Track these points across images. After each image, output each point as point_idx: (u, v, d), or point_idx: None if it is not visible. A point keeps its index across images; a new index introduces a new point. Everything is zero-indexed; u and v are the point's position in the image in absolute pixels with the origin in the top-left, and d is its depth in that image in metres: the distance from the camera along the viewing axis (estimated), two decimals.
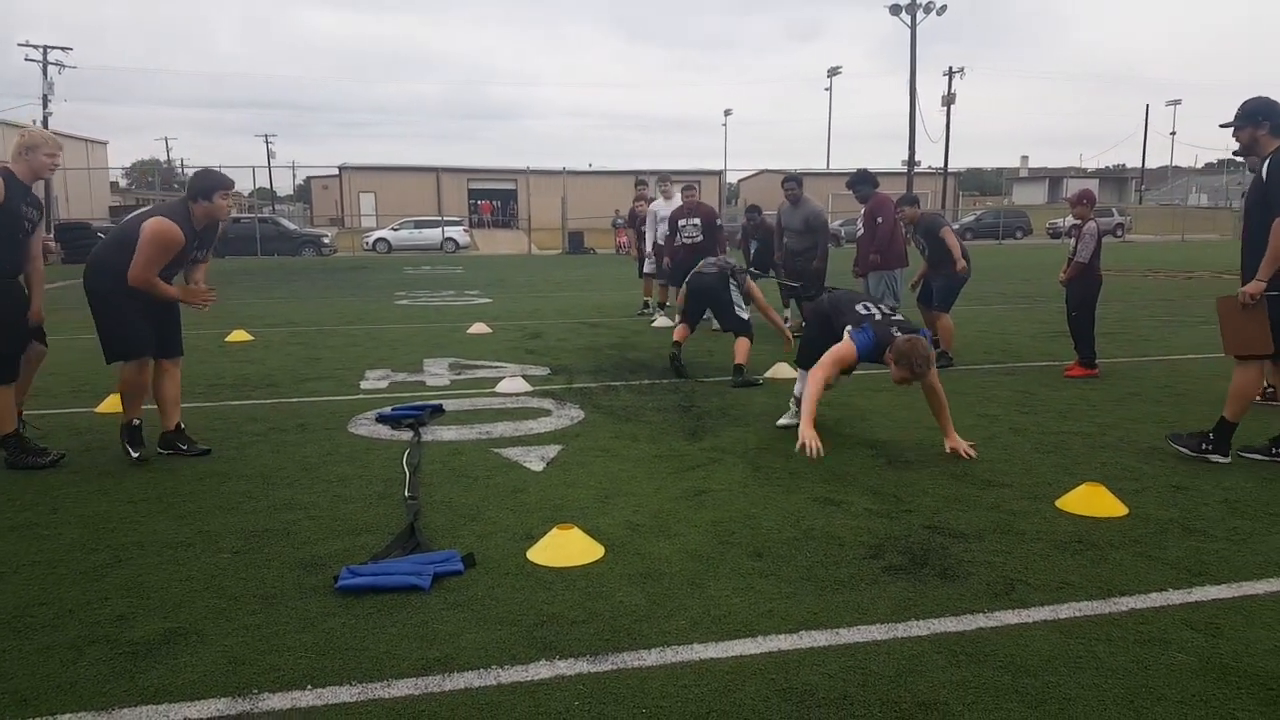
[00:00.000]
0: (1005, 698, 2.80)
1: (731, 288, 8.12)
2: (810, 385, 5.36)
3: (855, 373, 5.90)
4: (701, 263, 8.57)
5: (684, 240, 11.33)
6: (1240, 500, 4.66)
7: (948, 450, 5.48)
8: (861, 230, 9.57)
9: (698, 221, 11.31)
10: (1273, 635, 3.21)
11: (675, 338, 8.32)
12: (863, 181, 9.53)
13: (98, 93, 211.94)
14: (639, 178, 14.11)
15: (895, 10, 43.04)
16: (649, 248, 12.69)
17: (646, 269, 13.19)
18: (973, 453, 5.42)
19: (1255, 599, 3.52)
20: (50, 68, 43.67)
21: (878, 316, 5.54)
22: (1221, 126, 5.43)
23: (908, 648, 3.12)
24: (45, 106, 43.85)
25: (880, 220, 9.33)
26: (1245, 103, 5.28)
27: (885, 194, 9.75)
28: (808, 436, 4.93)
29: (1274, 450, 5.38)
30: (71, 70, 45.77)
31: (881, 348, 5.32)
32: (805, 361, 5.85)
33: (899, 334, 5.33)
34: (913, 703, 2.77)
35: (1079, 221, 8.30)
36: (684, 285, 8.59)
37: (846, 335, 5.44)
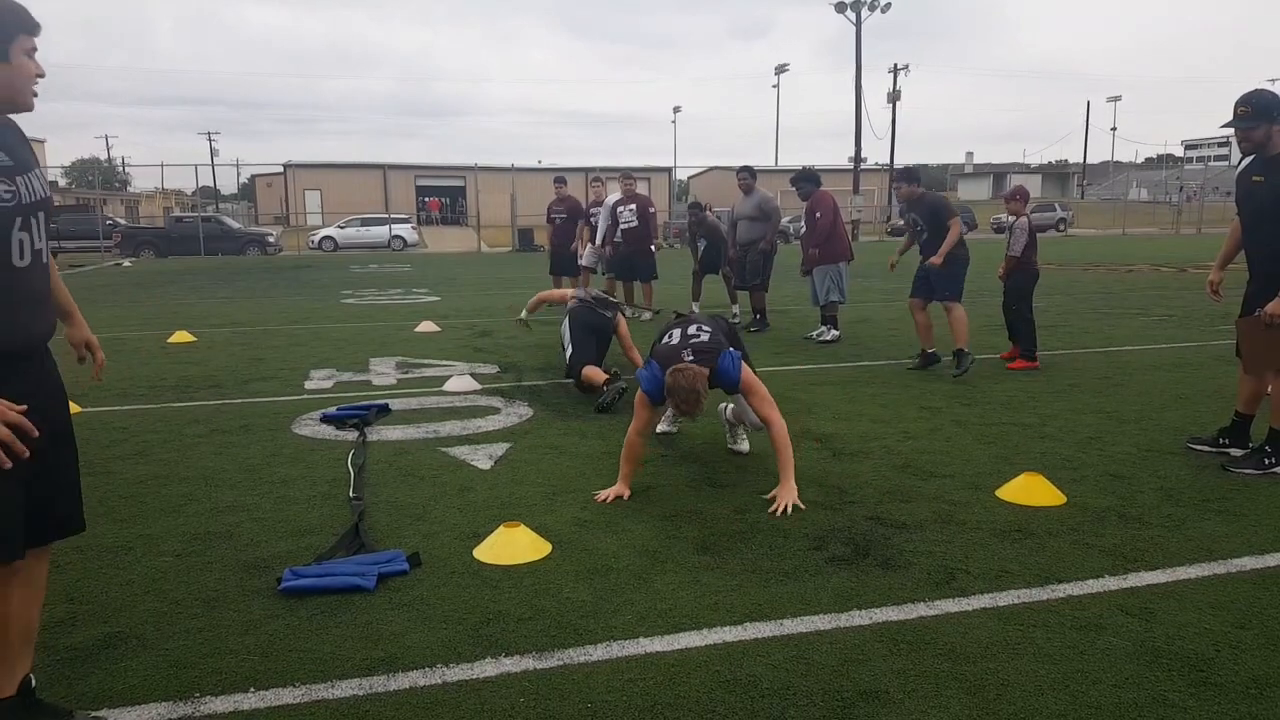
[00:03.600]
0: (945, 684, 2.85)
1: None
2: (625, 449, 4.74)
3: (802, 367, 5.79)
4: (580, 301, 7.70)
5: (622, 227, 12.04)
6: (1175, 488, 4.77)
7: (768, 496, 4.58)
8: (804, 228, 9.73)
9: (634, 207, 12.04)
10: (1203, 619, 3.30)
11: (596, 380, 6.92)
12: (805, 180, 9.72)
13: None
14: (594, 176, 14.21)
15: (840, 8, 43.37)
16: (600, 241, 12.72)
17: (584, 261, 13.21)
18: (793, 509, 4.42)
19: (1187, 583, 3.62)
20: None
21: (676, 340, 4.80)
22: (1224, 126, 4.93)
23: (850, 637, 3.16)
24: None
25: (819, 215, 9.47)
26: (1250, 97, 4.81)
27: (826, 191, 9.89)
28: (613, 493, 4.65)
29: (1221, 441, 5.39)
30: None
31: (661, 383, 4.56)
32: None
33: (688, 358, 4.60)
34: (854, 691, 2.81)
35: (1013, 217, 8.67)
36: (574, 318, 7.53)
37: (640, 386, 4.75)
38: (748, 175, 10.75)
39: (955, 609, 3.39)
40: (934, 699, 2.77)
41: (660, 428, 5.86)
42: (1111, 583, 3.62)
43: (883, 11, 43.08)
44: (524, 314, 8.78)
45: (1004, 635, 3.18)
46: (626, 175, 12.39)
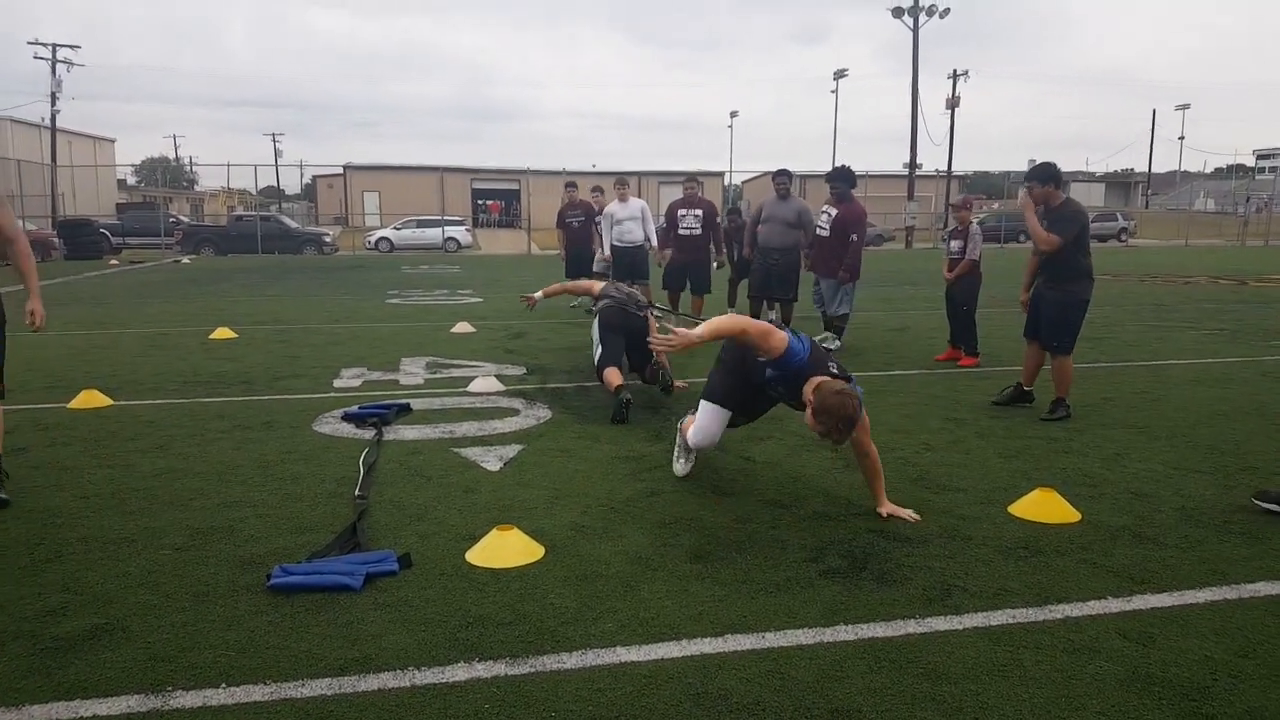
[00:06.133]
0: (921, 705, 2.78)
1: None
2: (722, 324, 4.52)
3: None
4: (614, 299, 7.56)
5: (682, 232, 11.37)
6: (1197, 508, 4.62)
7: (884, 516, 4.48)
8: (828, 233, 9.43)
9: (699, 213, 11.35)
10: (1204, 645, 3.19)
11: (612, 383, 6.83)
12: (843, 179, 9.44)
13: (106, 90, 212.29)
14: (568, 180, 14.26)
15: (898, 13, 42.93)
16: (607, 250, 12.65)
17: (596, 268, 13.26)
18: (917, 517, 4.45)
19: (1194, 608, 3.49)
20: (59, 66, 43.68)
21: (819, 353, 4.59)
22: None
23: (832, 653, 3.10)
24: (54, 104, 43.91)
25: (854, 238, 9.27)
26: None
27: (861, 206, 9.62)
28: (697, 339, 4.36)
29: None
30: (80, 68, 45.82)
31: (807, 373, 4.38)
32: (708, 394, 4.97)
33: (835, 372, 4.40)
34: (826, 709, 2.75)
35: (961, 225, 9.17)
36: (603, 319, 7.42)
37: (785, 333, 4.55)
38: (785, 179, 10.41)
39: (945, 627, 3.31)
40: None
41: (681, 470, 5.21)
42: (1113, 605, 3.51)
43: (941, 17, 42.55)
44: (538, 294, 8.35)
45: (992, 656, 3.09)
46: (690, 179, 11.83)
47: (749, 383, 4.81)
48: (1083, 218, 6.58)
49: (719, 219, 11.63)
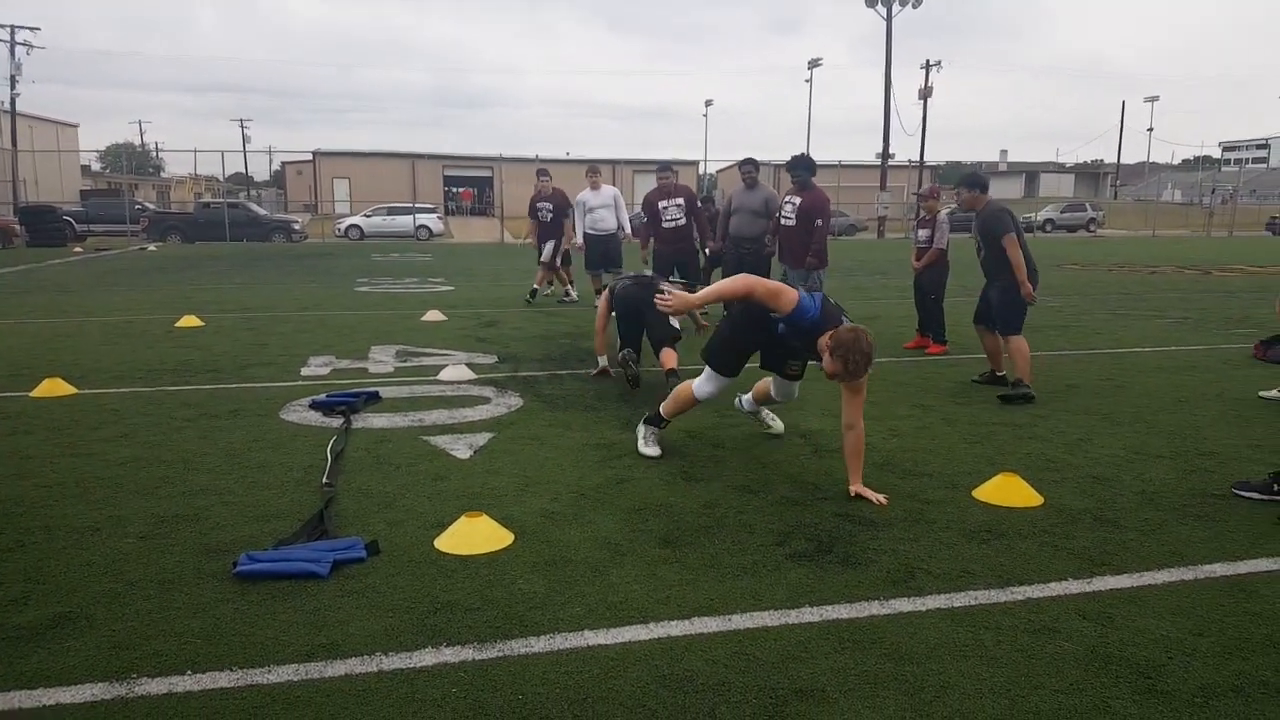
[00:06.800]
0: (883, 685, 2.81)
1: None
2: (730, 285, 4.76)
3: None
4: (620, 281, 7.58)
5: (666, 224, 10.77)
6: (1157, 492, 4.69)
7: (852, 494, 4.59)
8: (794, 221, 9.39)
9: (680, 202, 10.77)
10: (1161, 625, 3.24)
11: (668, 364, 6.88)
12: (804, 167, 9.41)
13: (69, 74, 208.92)
14: (540, 166, 14.25)
15: (871, 2, 43.06)
16: (579, 238, 12.64)
17: (543, 256, 13.44)
18: (884, 501, 4.51)
19: (1152, 589, 3.55)
20: (18, 48, 43.00)
21: (830, 309, 4.76)
22: None
23: (796, 634, 3.13)
24: (13, 87, 43.21)
25: (819, 223, 9.25)
26: None
27: (824, 193, 9.59)
28: (688, 300, 4.82)
29: (1276, 488, 4.58)
30: (41, 51, 45.22)
31: (821, 326, 4.58)
32: (711, 362, 5.15)
33: (846, 321, 4.64)
34: (789, 689, 2.78)
35: (929, 215, 9.31)
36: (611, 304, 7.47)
37: (796, 290, 4.74)
38: (751, 168, 10.28)
39: (909, 608, 3.35)
40: (870, 699, 2.73)
41: (648, 450, 5.34)
42: (1074, 586, 3.56)
43: (914, 6, 42.71)
44: (601, 361, 7.83)
45: (953, 637, 3.13)
46: (664, 168, 11.25)
47: (762, 335, 4.96)
48: (1009, 213, 7.17)
49: (698, 203, 11.15)
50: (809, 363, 5.10)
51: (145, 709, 2.65)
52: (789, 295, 4.65)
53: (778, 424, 5.80)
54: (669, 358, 6.90)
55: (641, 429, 5.41)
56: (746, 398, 5.73)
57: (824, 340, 4.53)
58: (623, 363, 6.87)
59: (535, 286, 13.77)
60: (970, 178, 7.50)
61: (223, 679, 2.82)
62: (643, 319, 7.14)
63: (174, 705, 2.67)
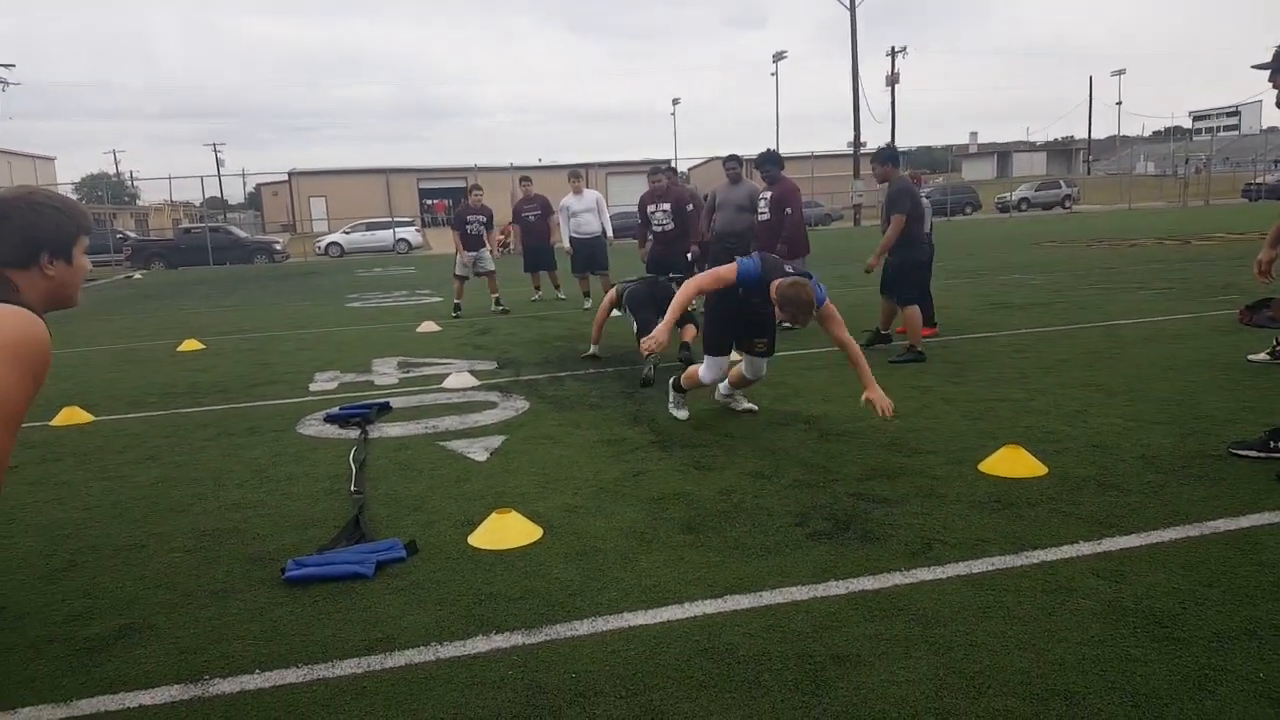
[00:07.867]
0: (915, 646, 2.98)
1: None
2: (680, 294, 5.58)
3: (792, 353, 5.94)
4: (626, 285, 8.33)
5: (655, 229, 10.83)
6: (1157, 456, 4.87)
7: (863, 401, 5.28)
8: (768, 215, 9.54)
9: (667, 207, 10.72)
10: (1172, 579, 3.41)
11: (687, 338, 8.01)
12: (772, 162, 9.56)
13: (43, 109, 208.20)
14: (522, 175, 14.54)
15: None
16: (566, 243, 12.99)
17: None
18: (889, 413, 5.19)
19: (1160, 546, 3.72)
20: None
21: (770, 260, 5.58)
22: (1256, 67, 4.66)
23: (826, 606, 3.30)
24: None
25: (790, 211, 9.40)
26: None
27: (793, 181, 9.76)
28: (658, 337, 5.32)
29: (1273, 445, 4.69)
30: (16, 87, 45.06)
31: (765, 281, 5.37)
32: (709, 348, 5.93)
33: (790, 272, 5.39)
34: (826, 655, 2.94)
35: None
36: (629, 294, 8.20)
37: (732, 262, 5.54)
38: (735, 164, 10.30)
39: (930, 577, 3.52)
40: (903, 660, 2.90)
41: (678, 414, 6.21)
42: (1085, 548, 3.74)
43: None
44: (593, 348, 8.81)
45: (976, 600, 3.30)
46: (655, 169, 11.18)
47: (741, 313, 5.76)
48: (910, 192, 8.07)
49: (689, 206, 10.93)
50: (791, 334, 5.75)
51: (223, 706, 2.79)
52: (728, 269, 5.48)
53: (752, 405, 6.31)
54: (688, 332, 7.96)
55: (671, 394, 6.25)
56: (724, 384, 6.21)
57: (773, 291, 5.30)
58: (644, 381, 7.35)
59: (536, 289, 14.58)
60: (882, 152, 8.41)
61: (290, 675, 2.96)
62: (660, 308, 7.48)
63: (249, 701, 2.82)
